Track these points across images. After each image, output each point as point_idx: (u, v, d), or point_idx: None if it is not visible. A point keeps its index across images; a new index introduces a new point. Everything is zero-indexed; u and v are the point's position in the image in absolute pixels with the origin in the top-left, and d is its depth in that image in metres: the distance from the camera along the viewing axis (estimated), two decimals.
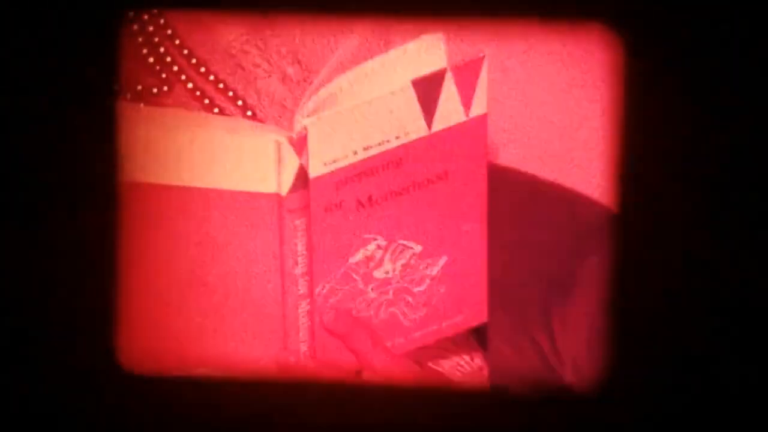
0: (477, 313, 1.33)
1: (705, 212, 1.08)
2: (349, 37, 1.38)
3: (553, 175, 2.15)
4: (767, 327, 1.09)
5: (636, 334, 1.10)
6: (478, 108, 1.24)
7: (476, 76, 1.25)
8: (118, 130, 1.15)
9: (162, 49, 1.42)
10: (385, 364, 1.29)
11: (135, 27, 1.44)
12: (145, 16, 1.49)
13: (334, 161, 1.20)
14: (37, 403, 1.16)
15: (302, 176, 1.19)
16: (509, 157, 2.19)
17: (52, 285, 1.16)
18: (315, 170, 1.18)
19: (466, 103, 1.25)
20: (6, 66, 1.12)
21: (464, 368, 1.44)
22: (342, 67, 1.29)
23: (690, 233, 1.08)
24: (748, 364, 1.09)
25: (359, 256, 1.27)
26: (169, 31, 1.42)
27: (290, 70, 1.45)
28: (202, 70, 1.41)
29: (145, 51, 1.42)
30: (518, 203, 1.53)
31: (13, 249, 1.15)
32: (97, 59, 1.12)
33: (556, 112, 2.25)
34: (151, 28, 1.45)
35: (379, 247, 1.28)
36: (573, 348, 1.47)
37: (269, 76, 1.45)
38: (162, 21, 1.43)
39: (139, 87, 1.41)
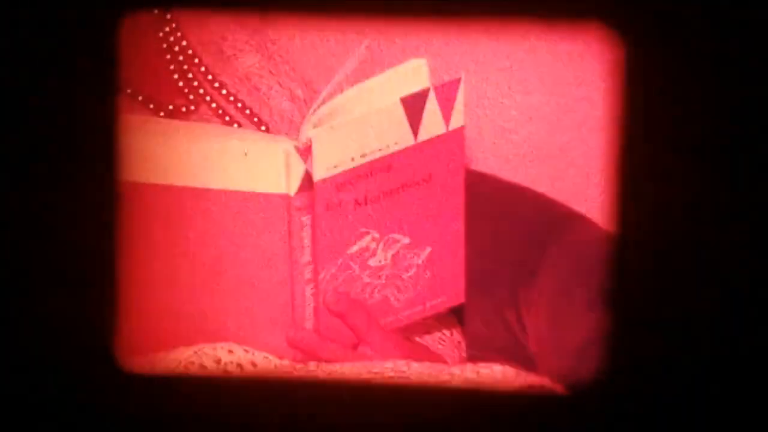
0: (456, 295, 1.45)
1: (706, 209, 1.07)
2: (347, 60, 1.44)
3: (552, 174, 2.27)
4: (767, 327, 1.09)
5: (633, 332, 1.10)
6: (456, 121, 1.36)
7: (455, 94, 1.37)
8: (119, 130, 1.14)
9: (190, 75, 1.57)
10: (378, 338, 1.41)
11: (167, 57, 1.59)
12: (175, 47, 1.64)
13: (335, 166, 1.32)
14: (37, 402, 1.16)
15: (308, 179, 1.32)
16: (509, 157, 2.27)
17: (51, 285, 1.16)
18: (318, 174, 1.31)
19: (446, 117, 1.37)
20: (6, 66, 1.12)
21: (445, 342, 1.56)
22: (341, 87, 1.39)
23: (690, 231, 1.08)
24: (749, 364, 1.08)
25: (356, 247, 1.38)
26: (196, 60, 1.58)
27: (298, 91, 1.61)
28: (224, 92, 1.56)
29: (175, 76, 1.57)
30: (490, 202, 1.67)
31: (12, 248, 1.15)
32: (97, 58, 1.12)
33: (556, 111, 2.30)
34: (181, 58, 1.60)
35: (373, 239, 1.39)
36: (536, 323, 1.62)
37: (280, 96, 1.60)
38: (190, 51, 1.59)
39: (171, 106, 1.55)
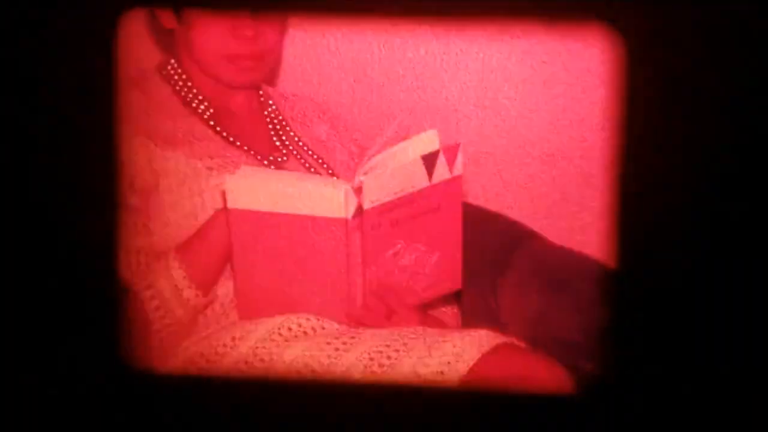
0: (455, 284, 1.85)
1: (703, 209, 1.03)
2: (386, 130, 1.77)
3: (552, 174, 2.41)
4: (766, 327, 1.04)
5: (633, 334, 1.06)
6: (456, 171, 1.74)
7: (455, 153, 1.74)
8: (119, 130, 1.10)
9: (283, 137, 1.96)
10: (404, 312, 1.79)
11: (270, 125, 1.97)
12: (275, 119, 1.98)
13: (377, 200, 1.70)
14: (40, 402, 1.12)
15: (359, 209, 1.69)
16: (510, 157, 2.40)
17: (55, 285, 1.12)
18: (366, 205, 1.69)
19: (450, 168, 1.74)
20: (6, 67, 1.08)
21: (447, 314, 1.96)
22: (380, 149, 1.76)
23: (689, 231, 1.04)
24: (749, 365, 1.04)
25: (390, 252, 1.77)
26: (287, 127, 1.98)
27: (353, 149, 2.02)
28: (306, 149, 1.96)
29: (273, 137, 1.96)
30: (476, 223, 2.08)
31: (16, 249, 1.11)
32: (97, 58, 1.08)
33: (556, 111, 2.37)
34: (277, 126, 1.99)
35: (402, 247, 1.77)
36: (505, 303, 2.09)
37: (341, 153, 2.02)
38: (283, 121, 1.98)
39: (270, 157, 1.91)
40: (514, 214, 2.40)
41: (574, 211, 2.43)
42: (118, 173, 1.10)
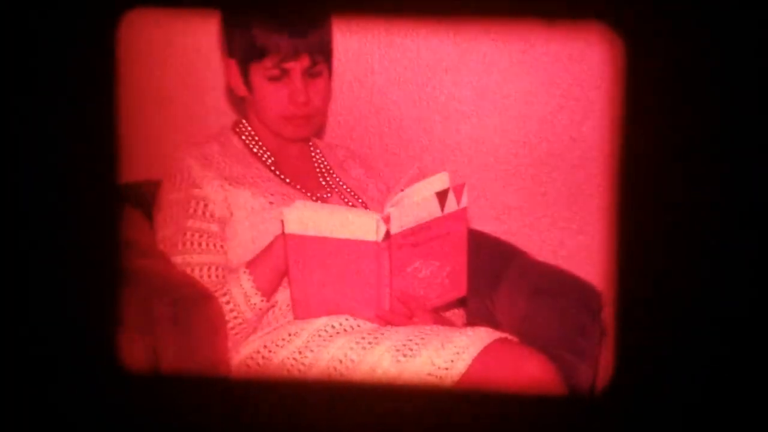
0: (462, 291, 1.98)
1: (704, 208, 0.95)
2: (408, 174, 1.91)
3: (553, 174, 2.27)
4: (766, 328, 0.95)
5: (637, 337, 0.98)
6: (463, 204, 1.90)
7: (462, 191, 1.90)
8: (118, 130, 1.00)
9: (328, 178, 2.19)
10: (422, 314, 1.94)
11: (317, 169, 2.16)
12: (320, 164, 2.14)
13: (402, 227, 1.85)
14: (39, 402, 1.04)
15: (387, 234, 1.84)
16: (509, 157, 2.29)
17: (53, 287, 1.04)
18: (393, 231, 1.84)
19: (458, 202, 1.91)
20: (7, 67, 0.99)
21: (455, 315, 2.11)
22: (403, 187, 1.92)
23: (690, 231, 0.96)
24: (750, 364, 0.95)
25: (411, 267, 1.90)
26: (332, 171, 2.17)
27: (382, 187, 2.23)
28: (345, 187, 2.20)
29: (320, 178, 2.18)
30: (477, 244, 2.16)
31: (15, 250, 1.03)
32: (97, 58, 1.00)
33: (556, 111, 2.24)
34: (323, 169, 2.17)
35: (420, 263, 1.90)
36: (501, 307, 2.19)
37: (373, 190, 2.24)
38: (328, 167, 2.16)
39: (318, 194, 2.12)
40: (514, 214, 2.42)
41: (574, 210, 2.40)
42: (117, 172, 1.00)
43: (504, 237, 2.34)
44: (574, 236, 2.42)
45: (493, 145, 2.34)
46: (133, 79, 1.75)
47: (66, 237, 1.03)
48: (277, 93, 2.09)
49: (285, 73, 2.07)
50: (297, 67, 2.07)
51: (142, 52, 2.24)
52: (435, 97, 2.38)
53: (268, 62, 2.06)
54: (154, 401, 1.08)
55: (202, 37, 2.42)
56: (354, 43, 2.36)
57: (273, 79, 2.08)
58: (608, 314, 1.98)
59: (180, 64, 2.49)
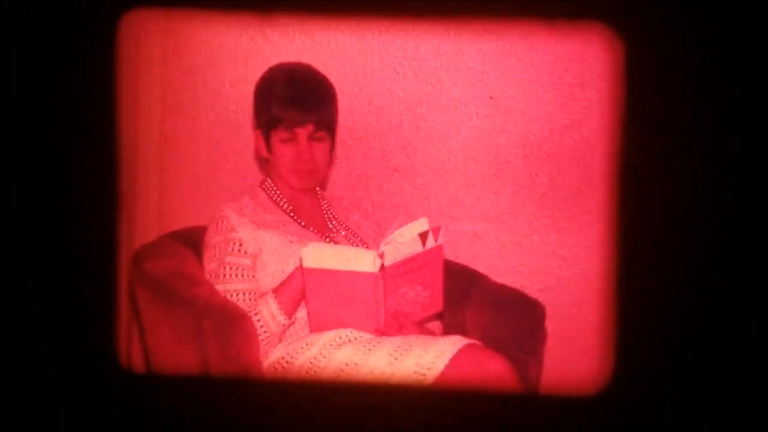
0: (439, 307, 2.37)
1: (704, 210, 0.86)
2: (396, 222, 2.29)
3: (552, 174, 2.24)
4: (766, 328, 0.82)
5: (637, 336, 0.89)
6: (439, 241, 2.29)
7: (438, 232, 2.28)
8: (118, 130, 0.88)
9: (335, 222, 2.56)
10: (409, 326, 2.32)
11: (324, 214, 2.53)
12: (327, 211, 2.50)
13: (393, 261, 2.23)
14: (38, 402, 0.95)
15: (382, 266, 2.23)
16: (510, 157, 2.25)
17: (53, 287, 0.97)
18: (387, 264, 2.22)
19: (436, 240, 2.29)
20: (7, 67, 0.90)
21: (435, 326, 2.49)
22: (392, 231, 2.30)
23: (690, 231, 0.87)
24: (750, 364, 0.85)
25: (401, 291, 2.28)
26: (335, 215, 2.55)
27: (376, 229, 2.63)
28: (349, 229, 2.59)
29: (327, 221, 2.55)
30: (450, 272, 2.49)
31: (15, 250, 0.95)
32: (97, 58, 0.90)
33: (555, 110, 2.26)
34: (330, 215, 2.54)
35: (408, 288, 2.29)
36: (470, 319, 2.54)
37: (371, 231, 2.62)
38: (333, 212, 2.54)
39: (325, 234, 2.50)
40: (514, 214, 2.48)
41: (574, 210, 2.40)
42: (117, 171, 0.88)
43: (504, 237, 2.41)
44: (574, 236, 2.45)
45: (494, 145, 2.41)
46: (133, 80, 1.84)
47: (66, 238, 0.98)
48: (288, 152, 2.48)
49: (294, 136, 2.46)
50: (303, 132, 2.47)
51: (142, 51, 2.22)
52: (435, 97, 2.44)
53: (282, 129, 2.47)
54: (154, 401, 1.04)
55: (202, 37, 2.52)
56: (354, 43, 2.48)
57: (285, 141, 2.47)
58: (548, 324, 2.19)
59: (180, 64, 2.54)
